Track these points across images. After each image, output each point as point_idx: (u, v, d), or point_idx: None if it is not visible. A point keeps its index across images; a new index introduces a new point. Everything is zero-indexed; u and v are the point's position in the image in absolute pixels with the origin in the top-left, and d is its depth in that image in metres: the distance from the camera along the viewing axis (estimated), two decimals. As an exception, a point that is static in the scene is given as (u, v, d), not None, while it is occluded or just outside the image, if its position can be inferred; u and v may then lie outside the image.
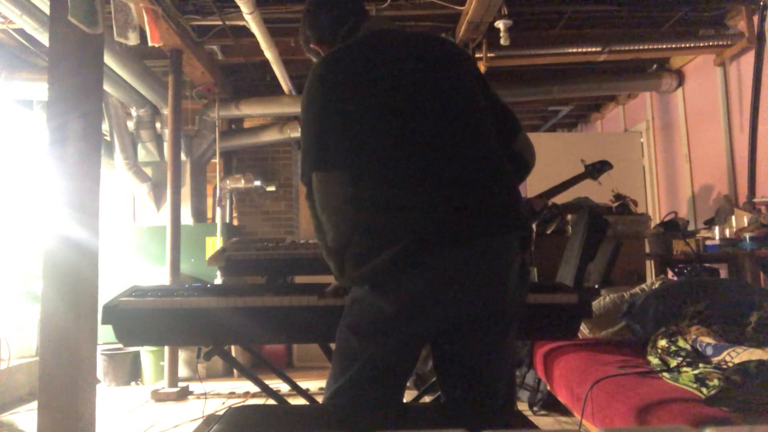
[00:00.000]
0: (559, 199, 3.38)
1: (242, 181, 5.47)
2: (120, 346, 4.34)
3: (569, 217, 3.47)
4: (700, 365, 1.62)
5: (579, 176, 3.12)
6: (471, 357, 1.34)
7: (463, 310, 1.29)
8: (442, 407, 1.45)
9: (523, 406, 3.09)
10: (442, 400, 1.45)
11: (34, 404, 2.22)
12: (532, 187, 2.97)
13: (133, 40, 2.95)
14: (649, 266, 4.41)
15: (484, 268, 1.27)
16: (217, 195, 5.17)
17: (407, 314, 1.26)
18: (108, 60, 3.77)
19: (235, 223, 5.88)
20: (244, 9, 3.36)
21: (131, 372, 4.53)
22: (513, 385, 1.75)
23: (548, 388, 2.67)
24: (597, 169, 3.01)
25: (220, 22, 3.93)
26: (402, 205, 1.25)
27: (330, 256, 1.35)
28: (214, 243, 4.91)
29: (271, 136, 5.42)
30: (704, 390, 1.44)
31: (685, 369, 1.63)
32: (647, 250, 3.90)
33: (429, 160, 1.28)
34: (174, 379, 3.98)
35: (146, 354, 4.45)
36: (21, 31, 3.78)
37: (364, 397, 1.28)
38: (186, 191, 5.08)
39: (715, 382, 1.43)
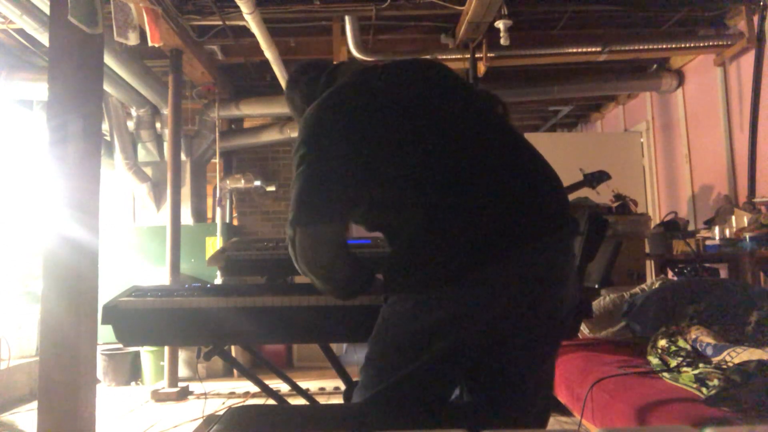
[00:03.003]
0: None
1: (242, 181, 5.47)
2: (120, 346, 4.34)
3: (569, 217, 3.47)
4: (700, 365, 1.62)
5: (577, 184, 3.13)
6: (517, 368, 1.26)
7: (520, 320, 1.21)
8: (468, 410, 1.37)
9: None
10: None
11: (34, 404, 2.22)
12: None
13: (133, 40, 2.95)
14: (649, 266, 4.41)
15: (545, 275, 1.21)
16: (217, 195, 5.18)
17: (461, 324, 1.17)
18: (108, 60, 3.77)
19: (235, 223, 5.88)
20: (244, 9, 3.36)
21: (131, 372, 4.53)
22: (551, 395, 1.60)
23: (548, 388, 2.66)
24: (595, 179, 3.03)
25: (220, 22, 3.93)
26: (458, 212, 1.19)
27: (349, 287, 1.36)
28: (214, 243, 4.91)
29: (271, 136, 5.42)
30: (704, 390, 1.44)
31: (685, 369, 1.63)
32: (647, 250, 3.90)
33: (485, 168, 1.23)
34: (174, 379, 3.98)
35: (146, 354, 4.45)
36: (21, 31, 3.79)
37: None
38: (186, 191, 5.09)
39: (715, 382, 1.43)
